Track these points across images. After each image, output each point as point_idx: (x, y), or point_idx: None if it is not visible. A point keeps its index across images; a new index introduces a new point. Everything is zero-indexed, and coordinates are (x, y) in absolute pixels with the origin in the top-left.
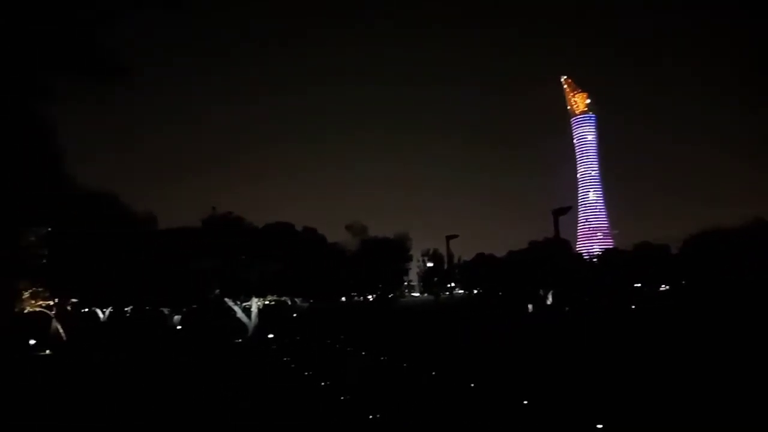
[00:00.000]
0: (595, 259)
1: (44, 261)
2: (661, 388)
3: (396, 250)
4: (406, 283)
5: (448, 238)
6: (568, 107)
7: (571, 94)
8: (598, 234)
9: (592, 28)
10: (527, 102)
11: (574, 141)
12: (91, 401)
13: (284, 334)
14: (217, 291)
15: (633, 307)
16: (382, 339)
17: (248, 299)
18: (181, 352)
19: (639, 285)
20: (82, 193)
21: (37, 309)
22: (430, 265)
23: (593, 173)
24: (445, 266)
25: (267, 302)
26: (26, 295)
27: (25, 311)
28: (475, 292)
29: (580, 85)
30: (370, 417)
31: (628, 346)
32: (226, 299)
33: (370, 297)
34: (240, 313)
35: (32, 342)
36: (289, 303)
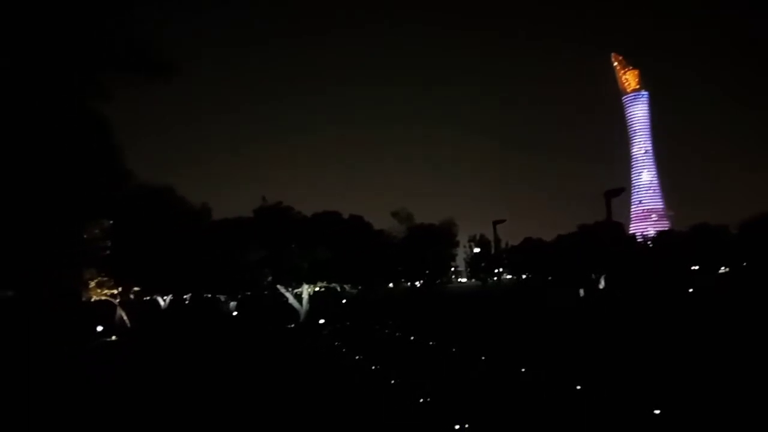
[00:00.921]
0: (649, 242)
1: (108, 252)
2: (718, 375)
3: (442, 236)
4: (452, 269)
5: (495, 222)
6: (619, 85)
7: (622, 71)
8: (653, 216)
9: (642, 3)
10: (576, 81)
11: (626, 120)
12: (157, 381)
13: (334, 319)
14: (270, 278)
15: (690, 290)
16: (430, 324)
17: (299, 286)
18: (238, 336)
19: (696, 268)
20: (141, 187)
21: (103, 298)
22: (476, 250)
23: (646, 152)
24: (492, 251)
25: (317, 289)
26: (92, 284)
27: (92, 300)
28: (524, 277)
29: (631, 62)
30: (420, 401)
31: (683, 331)
32: (278, 286)
33: (417, 283)
34: (292, 300)
35: (99, 328)
36: (339, 289)
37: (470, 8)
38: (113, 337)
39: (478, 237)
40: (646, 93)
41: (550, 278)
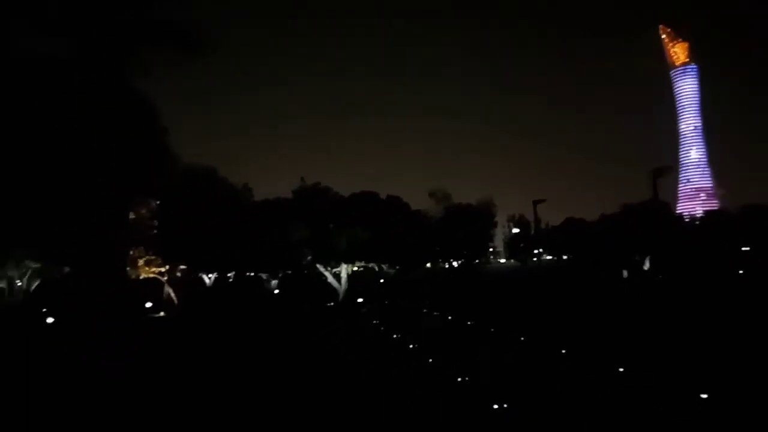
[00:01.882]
0: (697, 222)
1: (155, 231)
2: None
3: (480, 216)
4: (491, 249)
5: (536, 202)
6: (668, 59)
7: (671, 44)
8: (701, 195)
9: None
10: (622, 55)
11: (675, 95)
12: (205, 355)
13: (372, 298)
14: (309, 257)
15: (741, 272)
16: (467, 304)
17: (338, 265)
18: (279, 313)
19: (747, 249)
20: (185, 168)
21: (152, 275)
22: (516, 231)
23: (695, 129)
24: (532, 232)
25: (355, 268)
26: (141, 262)
27: (141, 277)
28: (564, 258)
29: (680, 35)
30: (459, 380)
31: (732, 314)
32: (318, 265)
33: (455, 263)
34: (331, 279)
35: (148, 305)
36: (377, 269)
37: None
38: (161, 313)
39: (517, 217)
40: (695, 66)
41: (592, 259)
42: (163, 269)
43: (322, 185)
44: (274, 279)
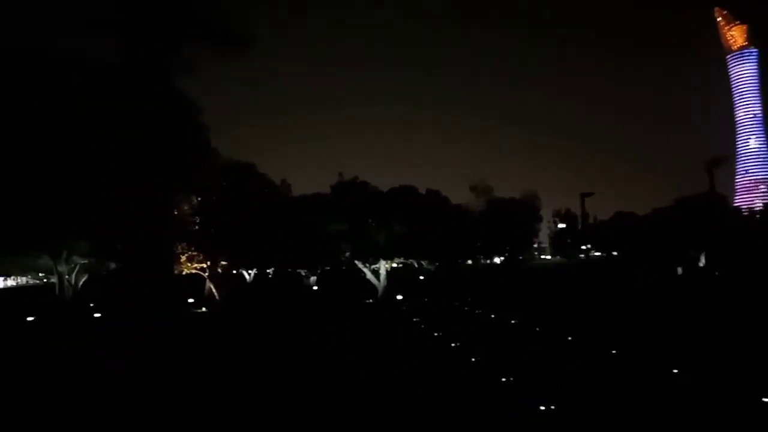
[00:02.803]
0: (757, 215)
1: (197, 228)
2: None
3: (524, 211)
4: (535, 245)
5: (583, 196)
6: (724, 42)
7: (727, 27)
8: (761, 186)
9: None
10: (674, 39)
11: (731, 80)
12: (247, 348)
13: (412, 295)
14: (348, 254)
15: None
16: (511, 302)
17: (376, 262)
18: (318, 309)
19: None
20: (225, 165)
21: (193, 271)
22: (561, 225)
23: (754, 117)
24: (579, 227)
25: (394, 265)
26: (183, 258)
27: (183, 273)
28: (614, 254)
29: (738, 17)
30: (503, 380)
31: None
32: (356, 261)
33: (497, 260)
34: (369, 275)
35: (190, 300)
36: (416, 265)
37: None
38: (203, 309)
39: (563, 211)
40: (755, 50)
41: (643, 255)
42: (204, 265)
43: (360, 180)
44: (312, 275)
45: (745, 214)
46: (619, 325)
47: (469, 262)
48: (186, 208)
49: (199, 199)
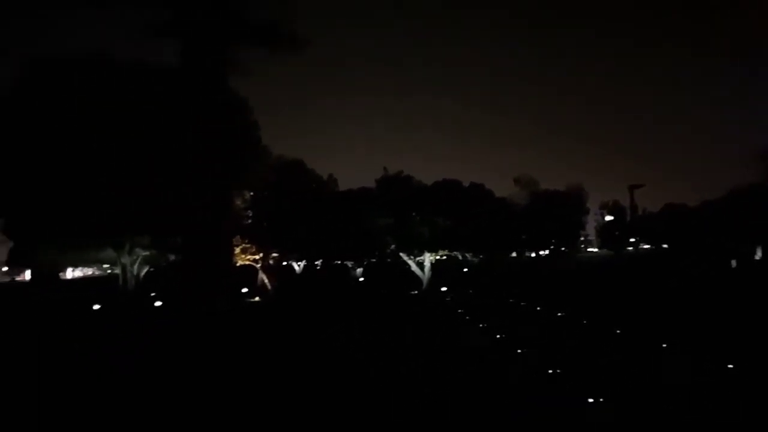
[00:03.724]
0: None
1: (249, 221)
2: None
3: (569, 203)
4: (582, 238)
5: (632, 187)
6: None
7: None
8: None
9: None
10: (726, 20)
11: None
12: (300, 334)
13: (456, 287)
14: (393, 246)
15: None
16: (557, 295)
17: (421, 254)
18: (365, 299)
19: None
20: (274, 160)
21: (247, 262)
22: (609, 218)
23: None
24: (628, 219)
25: (438, 257)
26: (237, 250)
27: (237, 264)
28: (664, 247)
29: None
30: (549, 372)
31: None
32: (401, 254)
33: (542, 252)
34: (414, 267)
35: (244, 290)
36: (460, 258)
37: None
38: (256, 298)
39: (611, 203)
40: None
41: (694, 248)
42: (257, 257)
43: (405, 174)
44: (359, 267)
45: None
46: (670, 318)
47: (514, 254)
48: (239, 202)
49: (252, 194)
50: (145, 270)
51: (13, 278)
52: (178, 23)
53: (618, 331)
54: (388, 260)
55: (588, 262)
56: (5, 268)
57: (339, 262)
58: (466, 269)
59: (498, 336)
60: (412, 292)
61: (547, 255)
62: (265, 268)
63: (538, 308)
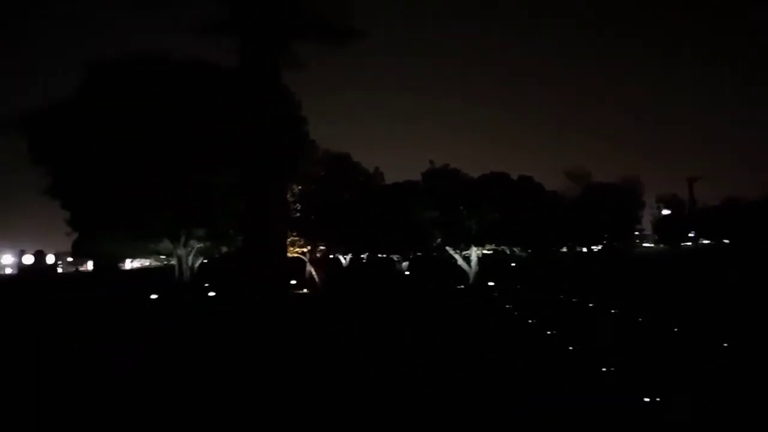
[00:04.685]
0: None
1: (298, 214)
2: None
3: (623, 196)
4: (637, 233)
5: (690, 180)
6: None
7: None
8: None
9: None
10: None
11: None
12: (349, 323)
13: (504, 282)
14: (439, 240)
15: None
16: (610, 290)
17: (468, 248)
18: (411, 292)
19: None
20: (322, 154)
21: (295, 255)
22: (666, 212)
23: None
24: (686, 213)
25: (485, 251)
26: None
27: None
28: (725, 242)
29: None
30: (603, 369)
31: None
32: (447, 248)
33: (594, 247)
34: (461, 261)
35: (293, 282)
36: (508, 252)
37: None
38: (304, 290)
39: (668, 197)
40: None
41: (756, 243)
42: (305, 249)
43: (451, 167)
44: (404, 261)
45: None
46: (732, 318)
47: (564, 249)
48: (288, 196)
49: (300, 187)
50: (199, 261)
51: (77, 268)
52: (237, 21)
53: (675, 330)
54: (434, 254)
55: (643, 257)
56: (70, 259)
57: (384, 255)
58: (513, 264)
59: (548, 333)
60: (459, 287)
61: (599, 250)
62: (313, 261)
63: (591, 305)
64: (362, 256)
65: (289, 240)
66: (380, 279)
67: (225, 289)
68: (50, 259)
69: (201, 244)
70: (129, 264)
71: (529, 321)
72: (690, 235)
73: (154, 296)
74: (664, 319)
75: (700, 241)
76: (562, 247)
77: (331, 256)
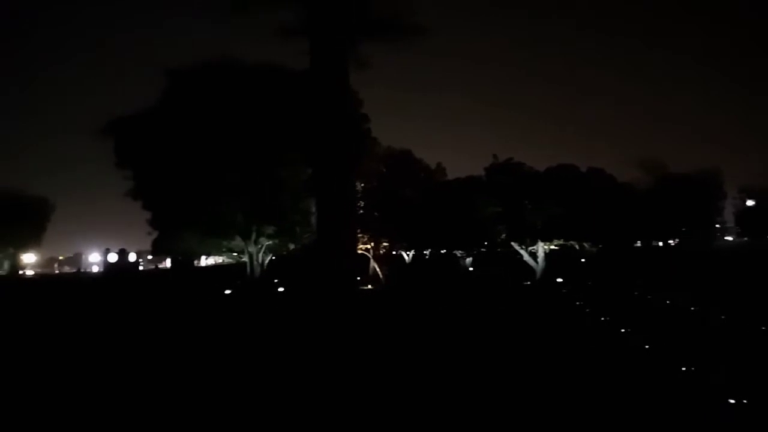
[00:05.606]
0: None
1: (361, 211)
2: None
3: (702, 187)
4: (717, 226)
5: None
6: None
7: None
8: None
9: None
10: None
11: None
12: (415, 317)
13: (573, 278)
14: (503, 235)
15: None
16: (687, 286)
17: (534, 243)
18: (475, 288)
19: None
20: (384, 151)
21: (359, 251)
22: (750, 203)
23: None
24: None
25: (553, 246)
26: None
27: None
28: None
29: None
30: (683, 369)
31: None
32: (512, 243)
33: (671, 241)
34: (527, 257)
35: (357, 278)
36: (577, 247)
37: None
38: (369, 286)
39: (753, 187)
40: None
41: None
42: (369, 246)
43: (515, 161)
44: (468, 256)
45: None
46: None
47: (638, 243)
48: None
49: (363, 184)
50: (268, 258)
51: (156, 265)
52: (307, 23)
53: (763, 328)
54: (498, 250)
55: (722, 252)
56: (149, 257)
57: (448, 251)
58: (583, 260)
59: (622, 330)
60: (525, 283)
61: (676, 244)
62: (377, 257)
63: (668, 302)
64: (425, 252)
65: None
66: (444, 275)
67: (294, 285)
68: (132, 256)
69: (270, 242)
70: (204, 261)
71: (602, 319)
72: None
73: (227, 291)
74: (746, 318)
75: None
76: (635, 242)
77: (394, 252)
